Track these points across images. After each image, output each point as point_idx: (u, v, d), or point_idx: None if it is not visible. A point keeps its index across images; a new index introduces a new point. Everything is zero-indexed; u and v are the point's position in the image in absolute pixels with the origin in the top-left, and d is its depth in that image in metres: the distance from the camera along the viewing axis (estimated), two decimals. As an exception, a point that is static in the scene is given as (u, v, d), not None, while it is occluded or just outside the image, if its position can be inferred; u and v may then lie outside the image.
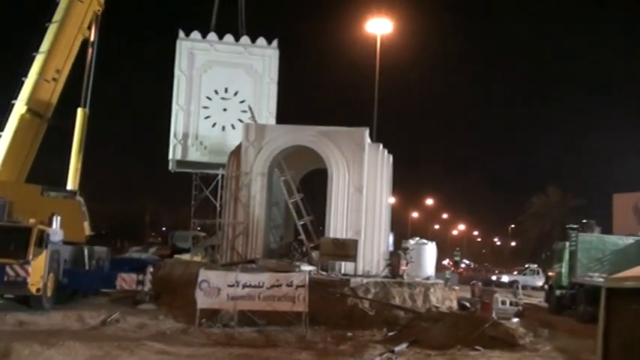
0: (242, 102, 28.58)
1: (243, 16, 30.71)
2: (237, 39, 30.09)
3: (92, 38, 25.99)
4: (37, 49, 23.97)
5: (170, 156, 29.16)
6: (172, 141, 28.96)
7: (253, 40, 29.98)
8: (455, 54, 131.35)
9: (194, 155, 28.88)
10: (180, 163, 29.18)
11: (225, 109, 29.19)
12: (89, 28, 25.58)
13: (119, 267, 21.97)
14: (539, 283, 41.30)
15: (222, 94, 29.29)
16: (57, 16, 24.32)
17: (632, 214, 44.55)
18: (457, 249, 65.02)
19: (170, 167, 30.88)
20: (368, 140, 23.55)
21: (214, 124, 29.07)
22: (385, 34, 31.84)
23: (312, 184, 26.81)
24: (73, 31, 24.55)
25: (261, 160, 23.33)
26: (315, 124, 24.12)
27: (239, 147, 24.14)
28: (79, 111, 26.01)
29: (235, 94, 29.27)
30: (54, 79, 23.90)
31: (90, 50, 26.01)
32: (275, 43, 30.11)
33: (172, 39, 29.88)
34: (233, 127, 28.16)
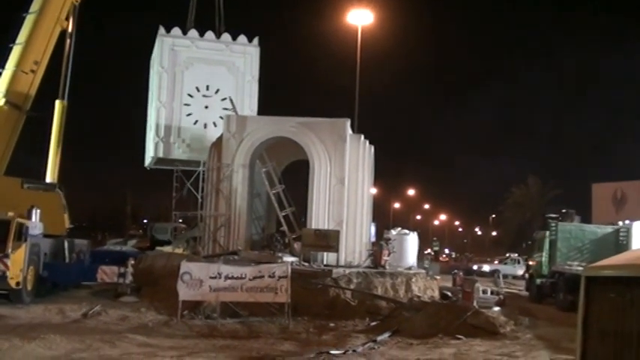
0: (224, 99, 28.27)
1: (222, 11, 30.26)
2: (215, 34, 29.74)
3: (70, 29, 25.64)
4: (14, 40, 23.65)
5: (152, 153, 28.76)
6: (154, 139, 28.55)
7: (234, 38, 29.69)
8: (436, 44, 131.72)
9: (176, 153, 28.50)
10: (160, 160, 28.89)
11: (206, 107, 28.84)
12: (67, 19, 25.24)
13: (100, 259, 21.82)
14: (520, 272, 41.71)
15: (203, 92, 28.91)
16: (34, 6, 23.98)
17: (611, 203, 45.12)
18: (435, 239, 65.17)
19: (146, 164, 30.62)
20: (349, 131, 23.57)
21: (196, 122, 28.72)
22: (366, 25, 31.90)
23: (294, 176, 26.79)
24: (50, 22, 24.20)
25: (243, 151, 23.27)
26: (296, 115, 24.09)
27: (220, 139, 24.07)
28: (57, 103, 25.70)
29: (217, 91, 28.92)
30: (32, 71, 23.57)
31: (68, 41, 25.66)
32: (256, 40, 29.86)
33: (148, 33, 29.57)
34: (215, 124, 27.88)
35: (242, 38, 29.78)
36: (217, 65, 29.30)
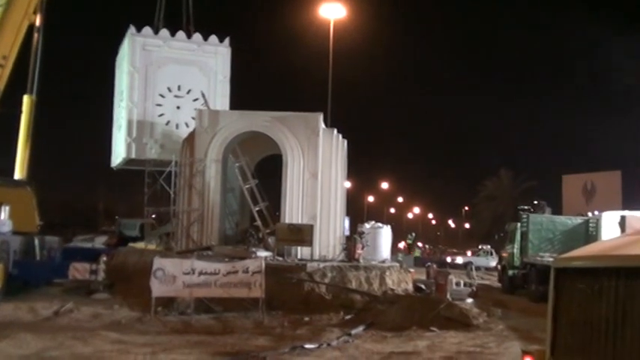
0: (195, 100, 27.88)
1: (191, 10, 29.76)
2: (185, 33, 29.33)
3: (38, 24, 25.23)
4: (-20, 35, 23.22)
5: (123, 154, 28.30)
6: (125, 139, 28.10)
7: (206, 38, 29.35)
8: (407, 38, 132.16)
9: (148, 153, 28.08)
10: (131, 160, 28.51)
11: (178, 107, 28.45)
12: (34, 12, 24.83)
13: (72, 256, 21.59)
14: (493, 263, 42.17)
15: (175, 92, 28.53)
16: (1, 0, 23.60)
17: (581, 194, 45.75)
18: (411, 233, 65.44)
19: (114, 165, 30.27)
20: (322, 125, 23.55)
21: (168, 122, 28.33)
22: (338, 18, 31.89)
23: (267, 170, 26.71)
24: (18, 16, 23.80)
25: (215, 146, 23.14)
26: (269, 109, 24.02)
27: (192, 133, 23.93)
28: (25, 98, 25.34)
29: (188, 91, 28.53)
30: (0, 66, 23.23)
31: (36, 35, 25.26)
32: (227, 41, 29.57)
33: (113, 30, 29.21)
34: (187, 125, 27.50)
35: (213, 38, 29.51)
36: (189, 65, 28.94)
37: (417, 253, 43.76)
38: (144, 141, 28.06)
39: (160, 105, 28.40)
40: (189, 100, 28.22)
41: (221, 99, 28.79)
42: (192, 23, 29.57)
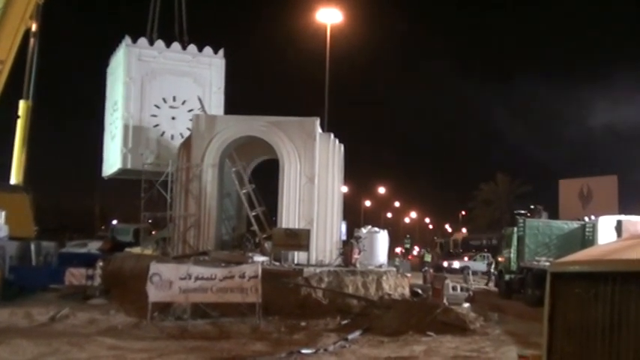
0: (190, 110, 27.80)
1: (184, 20, 29.67)
2: (179, 43, 29.30)
3: (34, 29, 25.24)
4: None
5: (119, 165, 28.20)
6: (121, 150, 28.04)
7: (200, 49, 29.35)
8: (405, 42, 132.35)
9: (144, 164, 27.98)
10: (126, 171, 28.42)
11: (173, 118, 28.43)
12: (31, 18, 24.84)
13: (68, 262, 21.58)
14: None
15: (170, 103, 28.51)
16: (-2, 5, 23.62)
17: (578, 199, 45.81)
18: (407, 236, 65.38)
19: (107, 174, 30.16)
20: (319, 130, 23.55)
21: (163, 133, 28.29)
22: (335, 23, 31.99)
23: (264, 175, 26.71)
24: (15, 20, 23.83)
25: (212, 151, 23.12)
26: (266, 114, 24.01)
27: (189, 138, 23.92)
28: (22, 103, 25.37)
29: (183, 102, 28.55)
30: (-3, 71, 23.25)
31: (32, 41, 25.29)
32: (221, 52, 29.59)
33: (108, 38, 29.19)
34: (182, 135, 27.44)
35: (208, 50, 29.51)
36: (184, 76, 28.91)
37: (428, 257, 43.51)
38: (139, 151, 27.94)
39: (155, 116, 28.32)
40: (184, 111, 28.17)
41: (216, 109, 28.70)
42: (186, 34, 29.56)
